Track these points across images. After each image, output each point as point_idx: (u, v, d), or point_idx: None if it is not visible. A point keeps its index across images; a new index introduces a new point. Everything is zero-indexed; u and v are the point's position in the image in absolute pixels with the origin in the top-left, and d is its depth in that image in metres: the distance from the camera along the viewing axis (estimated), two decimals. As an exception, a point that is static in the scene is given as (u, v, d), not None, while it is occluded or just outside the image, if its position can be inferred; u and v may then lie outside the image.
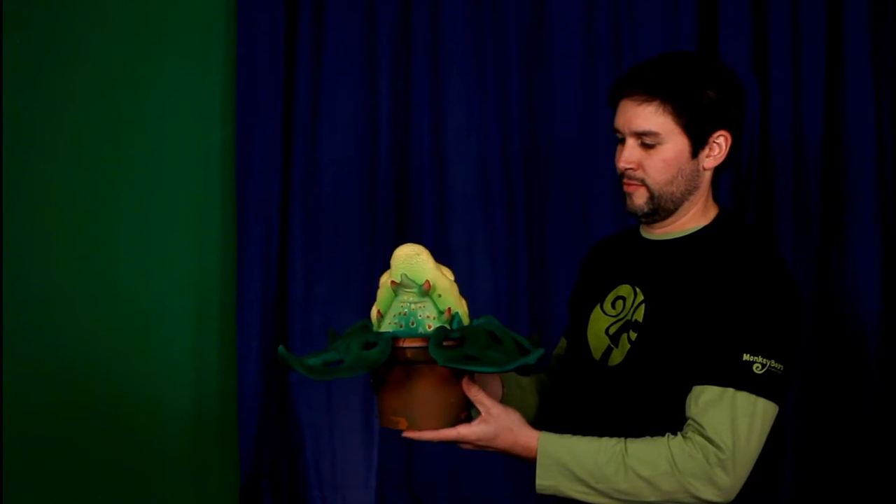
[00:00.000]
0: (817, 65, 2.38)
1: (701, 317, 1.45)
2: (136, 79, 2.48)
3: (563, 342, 1.76)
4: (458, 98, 2.45)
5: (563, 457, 1.43)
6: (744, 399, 1.40)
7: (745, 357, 1.41)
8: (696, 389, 1.43)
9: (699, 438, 1.41)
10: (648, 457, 1.41)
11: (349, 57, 2.44)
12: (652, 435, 1.44)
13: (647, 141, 1.50)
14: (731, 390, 1.40)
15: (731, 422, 1.40)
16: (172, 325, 2.50)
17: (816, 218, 2.39)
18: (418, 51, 2.44)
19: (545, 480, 1.44)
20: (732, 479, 1.40)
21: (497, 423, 1.44)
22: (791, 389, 2.35)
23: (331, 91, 2.44)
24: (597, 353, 1.56)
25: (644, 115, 1.49)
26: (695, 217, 1.56)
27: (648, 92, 1.49)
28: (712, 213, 1.57)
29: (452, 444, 1.45)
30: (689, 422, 1.43)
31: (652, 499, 1.41)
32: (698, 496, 1.41)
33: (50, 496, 2.48)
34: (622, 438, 1.44)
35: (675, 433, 1.44)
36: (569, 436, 1.46)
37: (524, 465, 2.49)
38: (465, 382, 1.43)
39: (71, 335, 2.48)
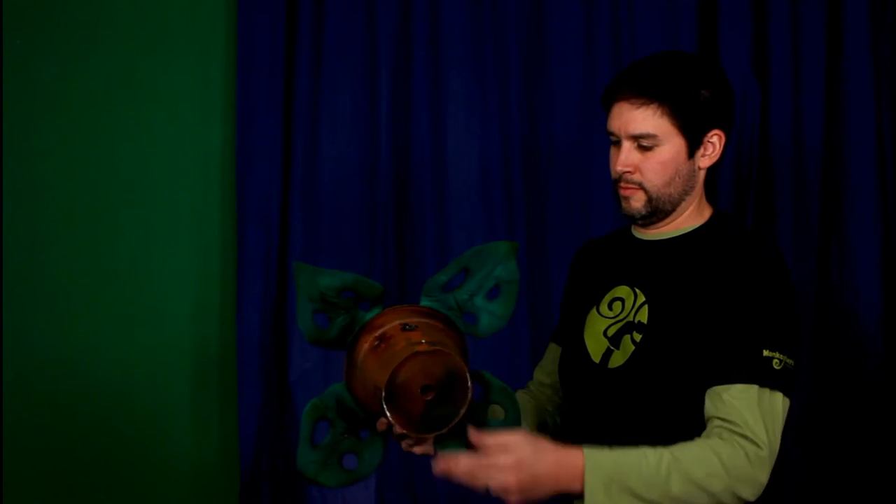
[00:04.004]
0: (817, 65, 2.38)
1: (710, 316, 1.44)
2: (136, 78, 2.48)
3: (553, 349, 1.74)
4: (458, 98, 2.45)
5: (611, 470, 1.35)
6: (768, 395, 1.40)
7: (765, 353, 1.40)
8: (718, 389, 1.41)
9: (738, 438, 1.38)
10: (698, 458, 1.37)
11: (349, 57, 2.44)
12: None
13: (645, 143, 1.49)
14: (755, 387, 1.39)
15: (763, 419, 1.39)
16: (172, 325, 2.49)
17: (816, 218, 2.39)
18: (418, 50, 2.43)
19: (594, 497, 1.34)
20: (767, 475, 1.40)
21: (533, 441, 1.35)
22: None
23: (331, 91, 2.44)
24: (595, 355, 1.54)
25: (641, 118, 1.48)
26: (690, 217, 1.56)
27: (645, 94, 1.48)
28: (707, 212, 1.57)
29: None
30: (719, 422, 1.40)
31: (697, 501, 1.37)
32: (739, 495, 1.39)
33: (50, 495, 2.48)
34: (664, 447, 1.38)
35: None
36: (609, 448, 1.39)
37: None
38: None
39: (70, 335, 2.47)
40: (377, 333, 1.43)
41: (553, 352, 1.73)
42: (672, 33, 2.43)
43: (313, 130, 2.45)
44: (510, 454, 1.33)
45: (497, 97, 2.45)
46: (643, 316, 1.51)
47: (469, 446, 1.41)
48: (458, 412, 1.37)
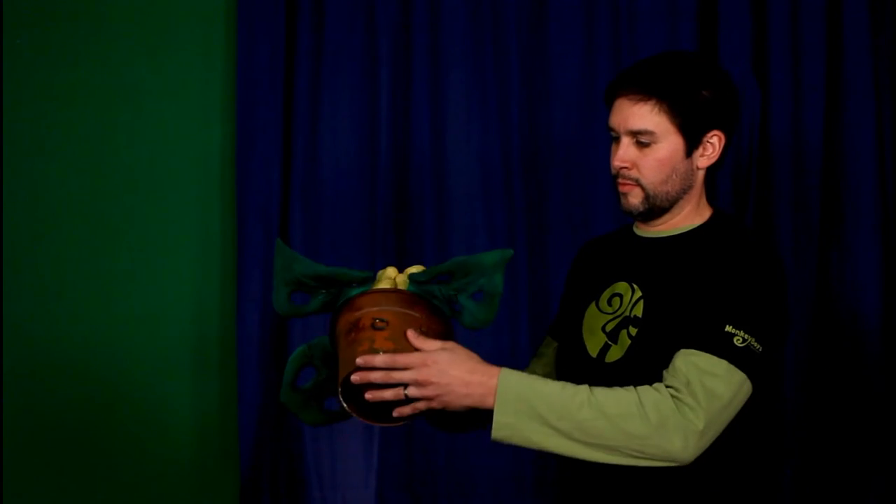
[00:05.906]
0: (817, 65, 2.39)
1: (696, 304, 1.45)
2: (136, 79, 2.48)
3: (549, 342, 1.74)
4: (458, 98, 2.45)
5: (524, 391, 1.37)
6: (721, 365, 1.38)
7: (728, 328, 1.40)
8: (676, 354, 1.42)
9: (672, 391, 1.38)
10: (616, 397, 1.37)
11: (349, 57, 2.45)
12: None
13: (642, 140, 1.51)
14: (707, 355, 1.39)
15: (705, 379, 1.37)
16: (172, 326, 2.50)
17: (816, 218, 2.39)
18: (418, 51, 2.44)
19: (503, 416, 1.36)
20: (699, 437, 1.36)
21: (457, 349, 1.39)
22: (791, 389, 2.37)
23: (331, 91, 2.45)
24: (593, 350, 1.55)
25: (640, 114, 1.50)
26: (689, 216, 1.57)
27: (644, 91, 1.50)
28: (707, 212, 1.59)
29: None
30: (665, 379, 1.40)
31: (613, 443, 1.36)
32: (667, 448, 1.36)
33: (50, 495, 2.48)
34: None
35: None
36: (533, 375, 1.42)
37: (524, 464, 2.49)
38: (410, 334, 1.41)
39: (71, 336, 2.48)
40: (355, 316, 1.43)
41: (549, 345, 1.74)
42: (672, 33, 2.43)
43: (313, 130, 2.45)
44: (429, 354, 1.38)
45: (497, 97, 2.45)
46: (638, 310, 1.52)
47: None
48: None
